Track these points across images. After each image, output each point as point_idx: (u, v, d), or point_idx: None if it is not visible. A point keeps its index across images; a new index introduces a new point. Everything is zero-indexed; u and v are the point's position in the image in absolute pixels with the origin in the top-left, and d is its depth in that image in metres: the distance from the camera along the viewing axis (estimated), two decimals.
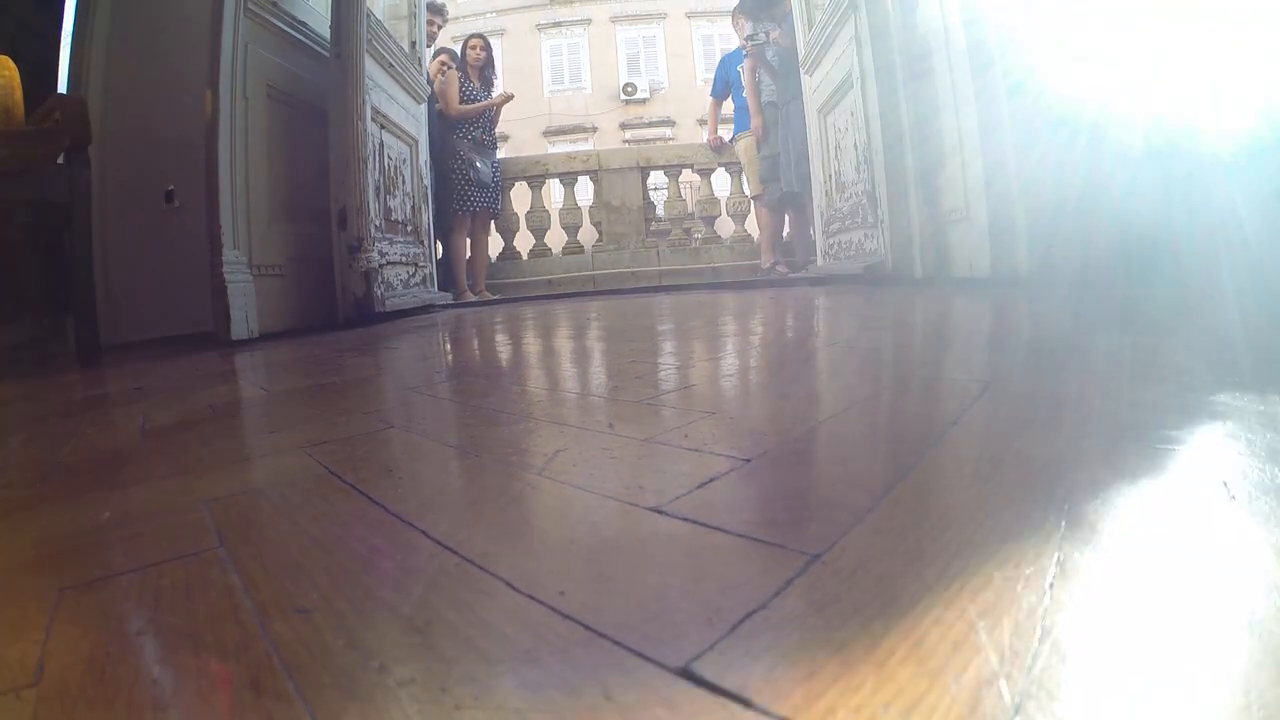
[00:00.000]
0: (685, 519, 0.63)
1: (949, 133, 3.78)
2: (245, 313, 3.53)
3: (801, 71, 5.38)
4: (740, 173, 6.99)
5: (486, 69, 6.10)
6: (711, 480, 0.72)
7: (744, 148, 6.03)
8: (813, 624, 0.44)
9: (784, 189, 5.83)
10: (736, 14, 5.89)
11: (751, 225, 7.07)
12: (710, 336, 2.33)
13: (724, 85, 6.23)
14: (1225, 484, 0.65)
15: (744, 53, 5.90)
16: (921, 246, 4.04)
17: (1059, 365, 1.34)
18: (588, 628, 0.46)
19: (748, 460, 0.78)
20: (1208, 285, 2.79)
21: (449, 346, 2.84)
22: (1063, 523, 0.57)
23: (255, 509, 0.79)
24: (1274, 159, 2.95)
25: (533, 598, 0.51)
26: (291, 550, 0.66)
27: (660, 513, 0.65)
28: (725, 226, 7.22)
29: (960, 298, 3.04)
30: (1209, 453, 0.73)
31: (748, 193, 6.27)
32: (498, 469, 0.87)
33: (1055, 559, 0.51)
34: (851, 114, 4.55)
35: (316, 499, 0.80)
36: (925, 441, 0.82)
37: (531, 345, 2.65)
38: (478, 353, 2.60)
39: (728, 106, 6.36)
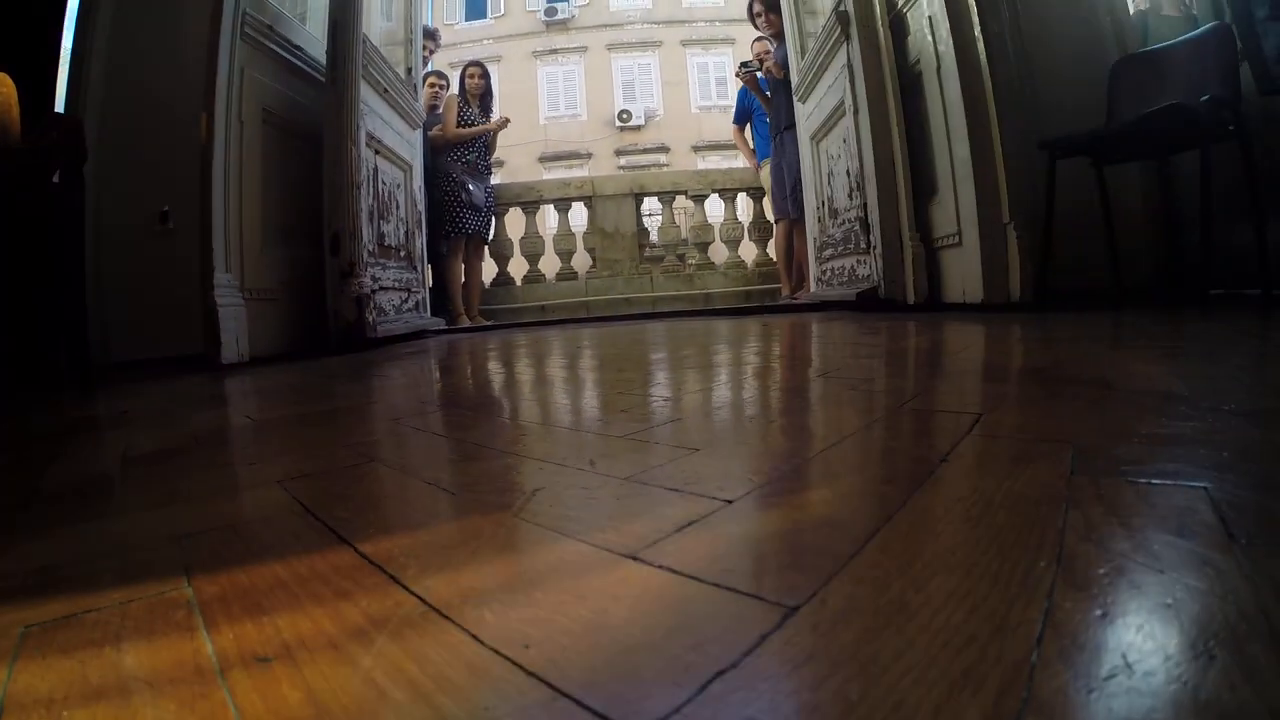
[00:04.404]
0: (661, 567, 0.60)
1: (941, 157, 3.81)
2: (236, 337, 3.52)
3: (794, 99, 5.42)
4: (734, 199, 7.05)
5: (485, 97, 6.13)
6: (690, 524, 0.69)
7: (767, 174, 6.08)
8: (785, 686, 0.42)
9: (779, 216, 5.90)
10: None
11: (744, 251, 7.11)
12: (700, 366, 2.32)
13: (743, 113, 6.38)
14: (1224, 521, 0.63)
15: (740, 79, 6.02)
16: (914, 272, 4.05)
17: (1051, 395, 1.32)
18: (551, 686, 0.44)
19: (729, 502, 0.75)
20: (1201, 306, 2.79)
21: (438, 375, 2.82)
22: (1054, 568, 0.55)
23: (226, 547, 0.77)
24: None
25: (496, 651, 0.49)
26: (258, 593, 0.64)
27: (635, 559, 0.62)
28: (719, 253, 7.24)
29: (952, 324, 3.03)
30: (1207, 488, 0.71)
31: (770, 218, 6.34)
32: (473, 509, 0.84)
33: (1043, 609, 0.49)
34: (844, 140, 4.58)
35: (288, 537, 0.79)
36: (913, 480, 0.80)
37: (521, 374, 2.64)
38: (466, 382, 2.58)
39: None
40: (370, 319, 4.11)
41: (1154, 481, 0.75)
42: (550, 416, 1.63)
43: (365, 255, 4.21)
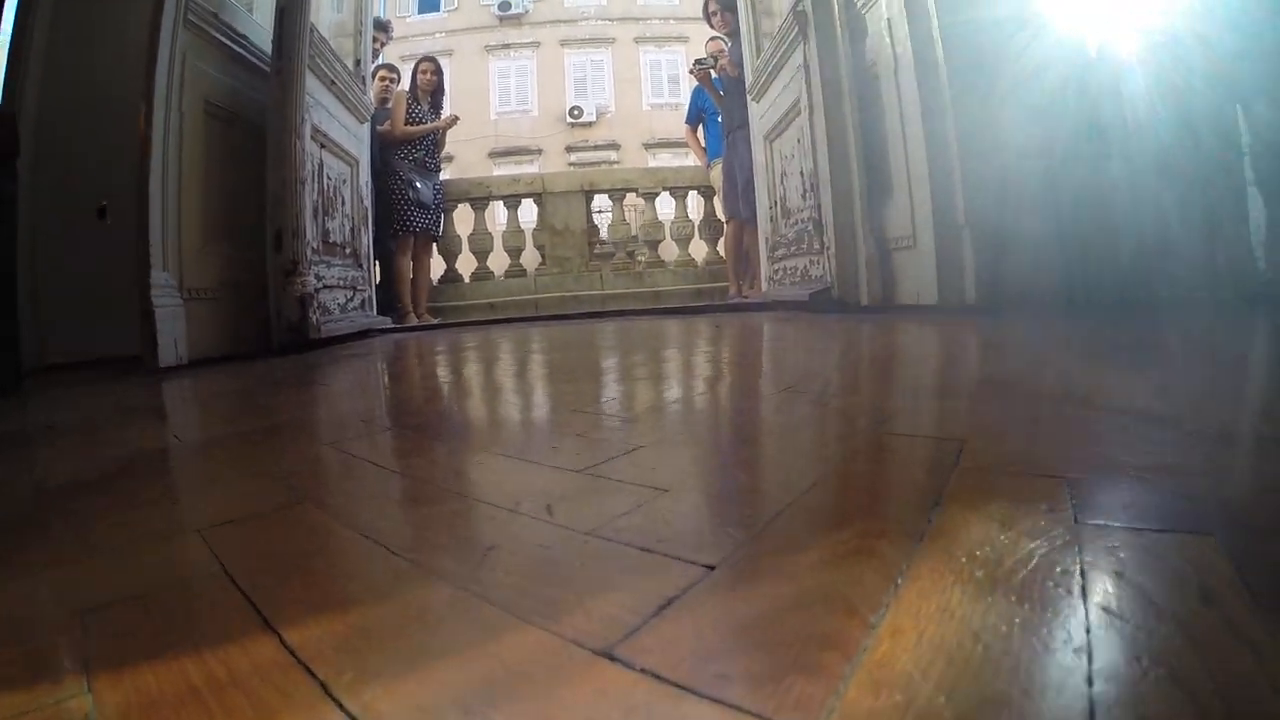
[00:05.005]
0: (643, 670, 0.49)
1: (896, 159, 3.79)
2: (174, 339, 3.34)
3: (748, 98, 5.37)
4: (685, 197, 7.00)
5: (437, 94, 5.99)
6: (671, 602, 0.59)
7: (718, 173, 6.04)
8: None
9: (729, 215, 5.86)
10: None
11: (695, 249, 7.07)
12: (657, 376, 2.24)
13: (696, 112, 6.38)
14: (1245, 582, 0.57)
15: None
16: (868, 274, 4.03)
17: (1031, 417, 1.27)
18: None
19: (711, 568, 0.65)
20: (1149, 312, 2.81)
21: (381, 381, 2.71)
22: (1087, 658, 0.48)
23: (135, 628, 0.65)
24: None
25: None
26: (166, 706, 0.52)
27: (610, 657, 0.52)
28: (669, 251, 7.20)
29: (909, 327, 3.00)
30: (1215, 536, 0.66)
31: (721, 216, 6.30)
32: (418, 577, 0.72)
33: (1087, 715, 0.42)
34: (798, 140, 4.54)
35: (205, 614, 0.68)
36: (909, 533, 0.72)
37: (468, 384, 2.53)
38: (411, 392, 2.47)
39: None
40: (314, 318, 3.95)
41: (1161, 530, 0.70)
42: (500, 439, 1.53)
43: (309, 253, 4.05)
